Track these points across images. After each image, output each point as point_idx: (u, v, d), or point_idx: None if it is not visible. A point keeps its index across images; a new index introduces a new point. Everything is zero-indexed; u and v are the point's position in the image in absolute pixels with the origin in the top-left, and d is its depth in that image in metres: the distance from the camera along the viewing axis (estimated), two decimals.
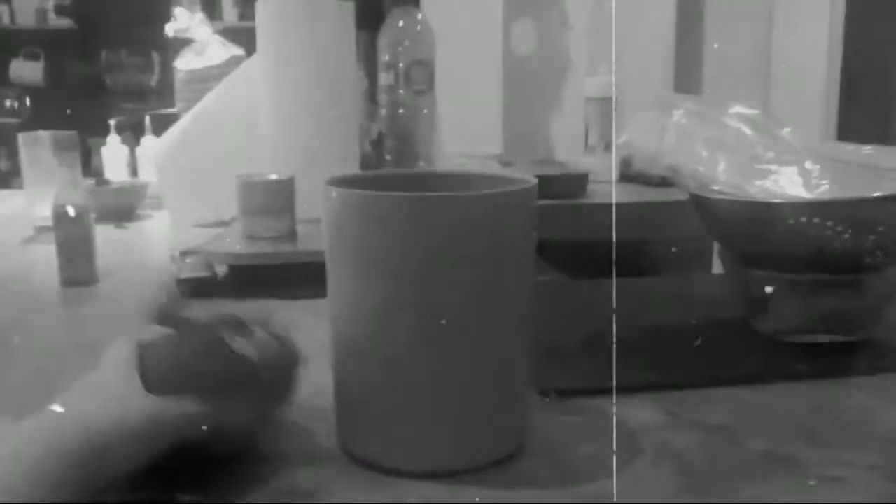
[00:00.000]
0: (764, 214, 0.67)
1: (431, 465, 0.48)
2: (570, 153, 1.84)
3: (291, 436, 0.53)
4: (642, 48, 2.17)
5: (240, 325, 0.50)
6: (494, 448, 0.50)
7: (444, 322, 0.45)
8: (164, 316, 0.51)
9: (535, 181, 0.49)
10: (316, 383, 0.52)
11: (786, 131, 0.76)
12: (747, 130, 0.74)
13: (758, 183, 0.68)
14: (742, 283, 0.70)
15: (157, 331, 0.51)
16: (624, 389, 0.60)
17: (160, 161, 1.18)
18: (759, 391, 0.61)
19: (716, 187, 0.71)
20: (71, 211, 0.94)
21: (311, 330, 0.53)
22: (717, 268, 1.20)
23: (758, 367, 0.65)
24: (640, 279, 0.99)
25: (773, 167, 0.74)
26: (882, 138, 2.13)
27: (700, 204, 0.71)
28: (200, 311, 0.53)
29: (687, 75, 2.34)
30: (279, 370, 0.50)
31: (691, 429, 0.55)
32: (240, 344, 0.49)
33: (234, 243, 0.93)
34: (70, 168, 0.95)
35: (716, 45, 2.31)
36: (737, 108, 0.77)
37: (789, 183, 0.72)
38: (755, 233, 0.67)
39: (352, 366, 0.49)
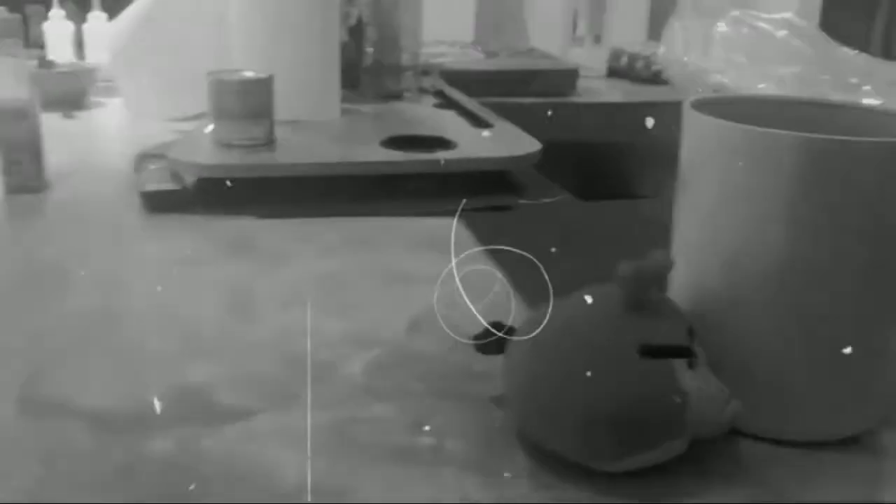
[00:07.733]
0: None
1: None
2: (551, 45, 1.72)
3: None
4: None
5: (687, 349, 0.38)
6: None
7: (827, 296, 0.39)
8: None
9: None
10: None
11: (847, 51, 0.67)
12: (803, 48, 0.65)
13: None
14: None
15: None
16: None
17: (115, 50, 1.05)
18: None
19: None
20: (12, 106, 0.82)
21: (304, 258, 0.43)
22: None
23: None
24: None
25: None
26: None
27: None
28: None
29: None
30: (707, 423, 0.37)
31: None
32: (688, 378, 0.37)
33: (205, 151, 0.82)
34: (10, 55, 0.82)
35: None
36: (787, 16, 0.67)
37: None
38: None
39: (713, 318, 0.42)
